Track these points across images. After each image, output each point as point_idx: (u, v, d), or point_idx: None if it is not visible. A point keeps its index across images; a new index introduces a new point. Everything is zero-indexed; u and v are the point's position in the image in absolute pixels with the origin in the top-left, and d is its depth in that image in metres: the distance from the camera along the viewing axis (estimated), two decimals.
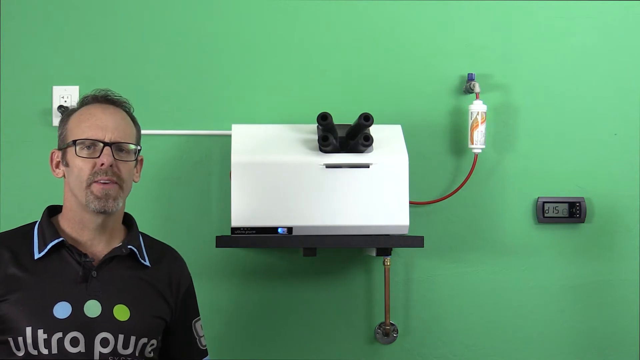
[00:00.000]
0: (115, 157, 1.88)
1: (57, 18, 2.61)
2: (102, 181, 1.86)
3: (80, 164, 1.88)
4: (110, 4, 2.62)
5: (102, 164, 1.86)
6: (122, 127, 1.92)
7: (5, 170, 2.57)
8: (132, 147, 1.93)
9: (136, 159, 1.96)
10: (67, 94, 2.58)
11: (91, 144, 1.88)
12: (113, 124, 1.91)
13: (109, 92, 1.97)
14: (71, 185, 1.91)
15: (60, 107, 2.55)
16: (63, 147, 1.92)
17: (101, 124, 1.90)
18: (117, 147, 1.90)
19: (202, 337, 2.09)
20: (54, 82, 2.59)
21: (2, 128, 2.58)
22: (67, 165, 1.91)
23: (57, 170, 1.95)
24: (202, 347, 2.08)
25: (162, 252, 2.05)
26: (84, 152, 1.88)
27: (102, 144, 1.88)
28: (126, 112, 1.97)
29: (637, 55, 2.72)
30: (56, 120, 2.55)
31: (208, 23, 2.64)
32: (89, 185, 1.87)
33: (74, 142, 1.89)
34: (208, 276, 2.57)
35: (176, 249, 2.11)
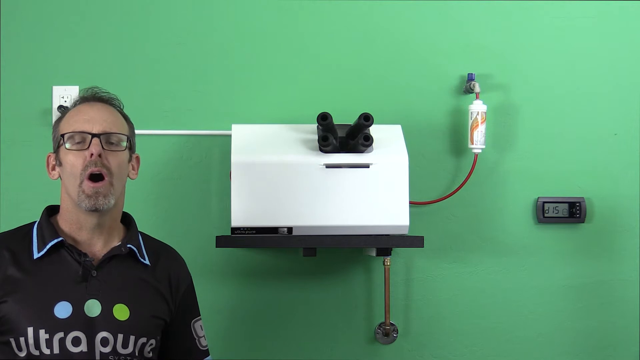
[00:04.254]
0: (105, 147, 1.88)
1: (57, 18, 2.61)
2: (92, 174, 1.86)
3: (72, 159, 1.88)
4: (110, 4, 2.62)
5: (92, 155, 1.87)
6: (110, 120, 1.92)
7: (5, 171, 2.57)
8: (122, 137, 1.92)
9: (130, 155, 1.96)
10: (67, 94, 2.58)
11: (80, 137, 1.89)
12: (100, 116, 1.91)
13: (96, 90, 1.98)
14: (65, 184, 1.91)
15: (60, 107, 2.55)
16: (56, 148, 1.93)
17: (88, 117, 1.90)
18: (105, 138, 1.89)
19: (202, 337, 2.08)
20: (54, 82, 2.59)
21: (2, 128, 2.58)
22: (60, 164, 1.92)
23: (53, 172, 1.96)
24: (202, 348, 2.07)
25: (161, 251, 2.05)
26: (74, 146, 1.89)
27: (90, 136, 1.88)
28: (115, 108, 1.97)
29: (637, 55, 2.72)
30: None
31: (208, 23, 2.64)
32: (81, 183, 1.86)
33: (62, 137, 1.89)
34: (208, 276, 2.57)
35: (176, 249, 2.11)
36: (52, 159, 1.96)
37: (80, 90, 1.98)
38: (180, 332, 2.03)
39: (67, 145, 1.89)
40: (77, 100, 1.97)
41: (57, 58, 2.61)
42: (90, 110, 1.92)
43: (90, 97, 1.96)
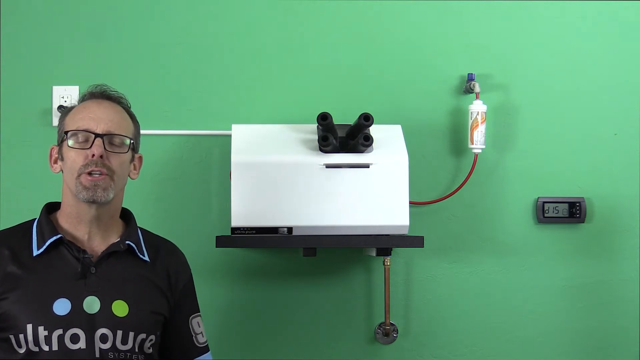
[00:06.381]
0: (107, 148, 1.89)
1: (58, 18, 2.61)
2: (92, 172, 1.86)
3: (73, 156, 1.89)
4: (110, 4, 2.62)
5: (93, 155, 1.87)
6: (115, 120, 1.92)
7: (5, 171, 2.57)
8: (126, 139, 1.93)
9: (132, 155, 1.97)
10: (67, 94, 2.58)
11: (83, 136, 1.89)
12: (106, 116, 1.91)
13: (105, 87, 1.98)
14: (66, 178, 1.92)
15: (60, 107, 2.55)
16: (59, 142, 1.94)
17: (94, 116, 1.91)
18: (109, 139, 1.90)
19: (199, 333, 2.07)
20: (54, 82, 2.59)
21: (2, 128, 2.58)
22: (62, 158, 1.92)
23: (55, 166, 1.96)
24: (199, 344, 2.06)
25: (160, 246, 2.05)
26: (77, 144, 1.89)
27: (93, 135, 1.88)
28: (123, 107, 1.98)
29: (637, 55, 2.72)
30: (56, 120, 2.53)
31: (208, 23, 2.64)
32: (78, 176, 1.87)
33: (66, 133, 1.90)
34: (208, 276, 2.57)
35: None
36: (54, 151, 1.96)
37: (88, 86, 1.98)
38: (178, 327, 2.03)
39: (70, 143, 1.89)
40: (85, 95, 1.97)
41: (57, 58, 2.61)
42: (96, 109, 1.92)
43: (98, 94, 1.97)
